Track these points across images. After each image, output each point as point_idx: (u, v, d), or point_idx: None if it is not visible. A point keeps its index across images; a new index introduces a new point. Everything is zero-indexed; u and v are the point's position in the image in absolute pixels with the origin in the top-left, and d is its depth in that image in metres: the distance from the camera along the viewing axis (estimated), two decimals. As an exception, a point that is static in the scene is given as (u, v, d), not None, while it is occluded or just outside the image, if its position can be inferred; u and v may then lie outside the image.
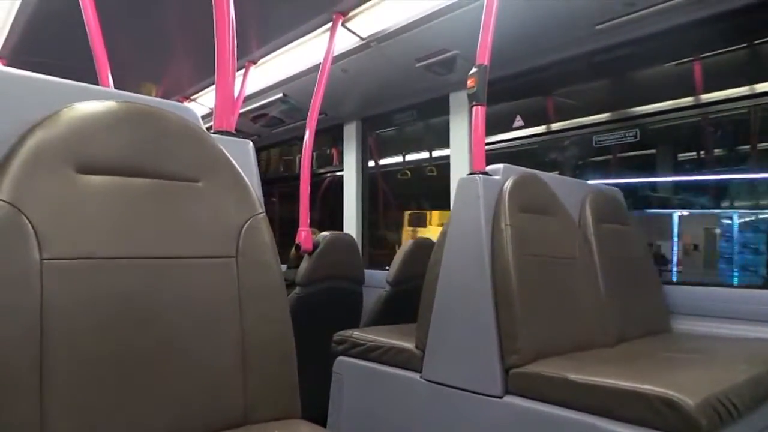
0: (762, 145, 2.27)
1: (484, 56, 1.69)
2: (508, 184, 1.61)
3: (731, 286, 1.92)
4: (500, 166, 1.66)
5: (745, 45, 2.14)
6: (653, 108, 2.26)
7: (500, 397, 1.42)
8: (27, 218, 0.75)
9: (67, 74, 0.97)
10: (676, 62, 2.31)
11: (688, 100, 2.17)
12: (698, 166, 2.63)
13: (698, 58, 2.22)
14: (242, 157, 1.07)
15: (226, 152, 1.01)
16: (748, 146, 2.37)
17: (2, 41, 2.87)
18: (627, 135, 2.35)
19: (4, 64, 3.02)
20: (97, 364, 0.79)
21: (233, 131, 1.20)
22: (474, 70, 1.67)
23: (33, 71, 0.90)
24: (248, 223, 0.99)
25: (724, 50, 2.18)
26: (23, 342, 0.72)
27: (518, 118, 2.76)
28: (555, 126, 2.63)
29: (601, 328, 1.69)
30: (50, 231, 0.77)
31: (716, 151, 2.50)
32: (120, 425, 0.80)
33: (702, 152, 2.55)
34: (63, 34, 2.46)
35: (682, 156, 2.67)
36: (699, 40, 2.17)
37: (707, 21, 1.99)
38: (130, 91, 0.99)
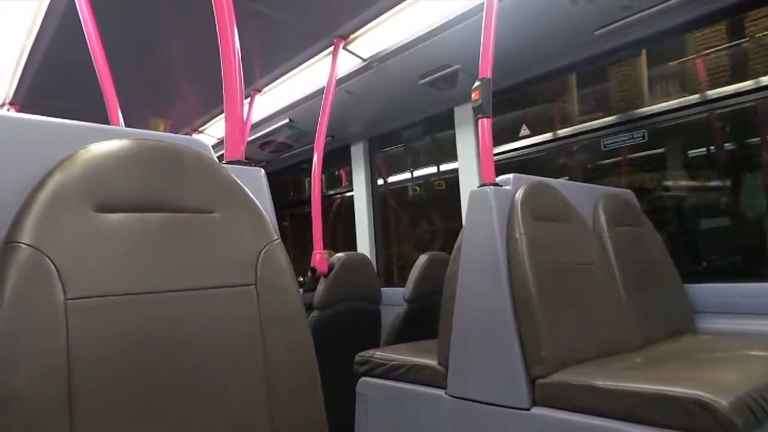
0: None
1: (486, 69, 1.70)
2: (519, 194, 1.61)
3: (756, 280, 1.88)
4: (510, 176, 1.67)
5: (745, 40, 2.14)
6: (659, 108, 2.25)
7: (527, 409, 1.40)
8: (50, 260, 0.77)
9: (78, 115, 0.99)
10: (678, 61, 2.31)
11: (693, 98, 2.16)
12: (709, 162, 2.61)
13: (700, 55, 2.22)
14: (255, 185, 1.08)
15: (239, 182, 1.03)
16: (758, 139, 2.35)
17: (14, 88, 2.95)
18: (635, 136, 2.34)
19: (17, 110, 3.09)
20: (123, 397, 0.80)
21: (244, 160, 1.21)
22: (477, 83, 1.68)
23: (45, 114, 0.93)
24: (265, 250, 1.00)
25: (723, 47, 2.18)
26: (52, 381, 0.73)
27: (524, 126, 2.76)
28: (562, 132, 2.64)
29: (625, 333, 1.67)
30: (73, 271, 0.79)
31: (726, 145, 2.48)
32: None
33: (712, 148, 2.54)
34: (72, 76, 2.53)
35: (693, 153, 2.65)
36: (698, 38, 2.18)
37: (704, 19, 2.00)
38: (139, 127, 1.01)
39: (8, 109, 3.11)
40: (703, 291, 1.97)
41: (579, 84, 2.72)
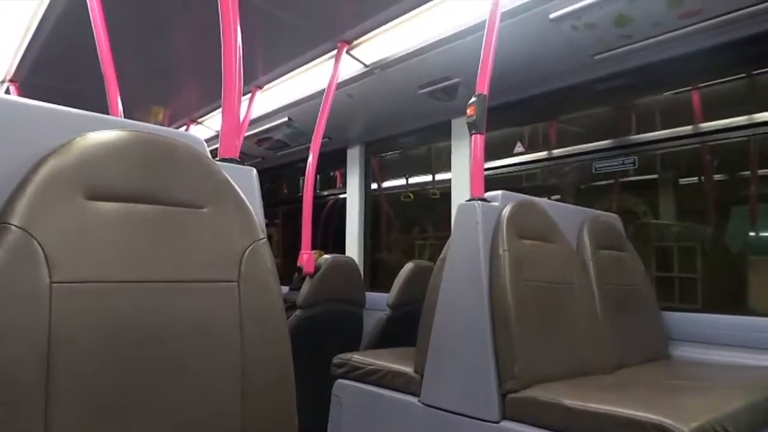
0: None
1: (483, 86, 1.73)
2: (506, 211, 1.64)
3: (731, 313, 1.92)
4: (499, 192, 1.69)
5: (743, 75, 2.18)
6: (653, 136, 2.29)
7: (497, 422, 1.42)
8: (38, 243, 0.79)
9: (78, 98, 1.00)
10: (675, 92, 2.35)
11: (687, 129, 2.20)
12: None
13: (696, 87, 2.26)
14: (246, 184, 1.10)
15: (230, 179, 1.05)
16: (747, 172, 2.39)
17: (15, 65, 2.95)
18: (626, 162, 2.38)
19: (17, 88, 3.10)
20: (100, 381, 0.81)
21: (238, 158, 1.23)
22: (473, 99, 1.71)
23: (45, 95, 0.94)
24: (250, 248, 1.02)
25: (722, 80, 2.23)
26: (31, 361, 0.75)
27: (519, 144, 2.80)
28: (556, 152, 2.67)
29: (599, 354, 1.70)
30: (60, 255, 0.80)
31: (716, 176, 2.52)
32: None
33: (703, 177, 2.58)
34: (74, 60, 2.54)
35: (684, 181, 2.68)
36: (697, 70, 2.22)
37: (705, 52, 2.04)
38: (139, 114, 1.03)
39: (8, 86, 3.11)
40: (679, 319, 2.01)
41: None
